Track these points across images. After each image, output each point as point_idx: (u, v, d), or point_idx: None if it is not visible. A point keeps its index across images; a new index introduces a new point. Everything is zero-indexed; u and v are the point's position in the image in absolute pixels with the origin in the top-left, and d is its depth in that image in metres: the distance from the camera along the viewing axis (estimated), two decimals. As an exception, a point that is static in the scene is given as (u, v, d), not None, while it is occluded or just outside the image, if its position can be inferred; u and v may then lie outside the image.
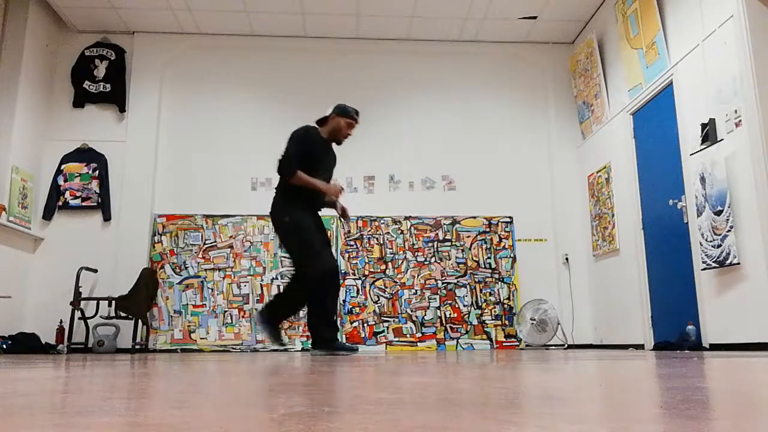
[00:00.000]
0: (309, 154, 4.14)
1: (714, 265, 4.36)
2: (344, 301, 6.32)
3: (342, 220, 4.52)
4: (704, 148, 4.49)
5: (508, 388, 1.30)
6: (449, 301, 6.40)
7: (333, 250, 6.44)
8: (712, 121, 4.43)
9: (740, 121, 4.15)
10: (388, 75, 7.07)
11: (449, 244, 6.55)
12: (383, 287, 6.36)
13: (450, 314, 6.38)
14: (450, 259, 6.51)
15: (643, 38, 5.40)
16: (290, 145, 4.13)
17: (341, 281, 4.33)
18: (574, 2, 6.38)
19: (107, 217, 6.47)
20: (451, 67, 7.15)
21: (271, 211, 4.26)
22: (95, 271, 6.23)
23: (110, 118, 6.74)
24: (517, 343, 6.33)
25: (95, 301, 6.02)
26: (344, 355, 3.88)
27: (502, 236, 6.59)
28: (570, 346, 6.40)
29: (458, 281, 6.46)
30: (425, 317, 6.34)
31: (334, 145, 4.36)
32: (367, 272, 6.39)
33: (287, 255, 4.38)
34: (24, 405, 1.01)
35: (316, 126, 4.31)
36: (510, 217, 6.65)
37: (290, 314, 4.38)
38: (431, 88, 7.08)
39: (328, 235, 4.40)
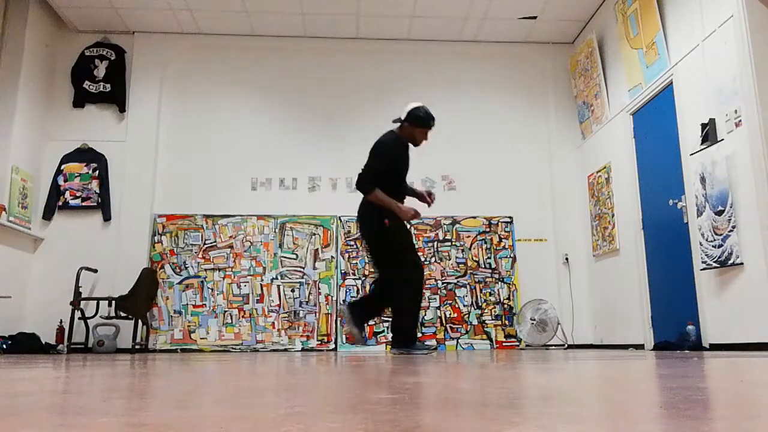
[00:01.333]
0: (393, 168, 4.13)
1: (714, 265, 4.36)
2: (344, 301, 6.32)
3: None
4: (704, 148, 4.49)
5: (508, 388, 1.30)
6: (449, 301, 6.40)
7: (333, 251, 6.45)
8: (712, 121, 4.43)
9: (740, 121, 4.14)
10: (388, 75, 7.07)
11: (449, 244, 6.55)
12: (383, 287, 6.35)
13: (450, 314, 6.38)
14: (450, 259, 6.51)
15: (643, 38, 5.40)
16: (376, 160, 4.08)
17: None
18: (574, 2, 6.38)
19: (107, 217, 6.47)
20: (451, 67, 7.15)
21: (365, 218, 4.14)
22: (95, 271, 6.23)
23: (110, 118, 6.74)
24: (517, 343, 6.33)
25: (95, 301, 6.02)
26: (423, 355, 3.89)
27: (502, 236, 6.59)
28: (570, 346, 6.40)
29: (458, 281, 6.46)
30: (425, 317, 6.34)
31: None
32: (367, 272, 6.39)
33: (378, 259, 4.13)
34: (24, 405, 1.01)
35: (395, 131, 4.25)
36: (510, 217, 6.65)
37: (376, 315, 4.31)
38: (431, 88, 7.07)
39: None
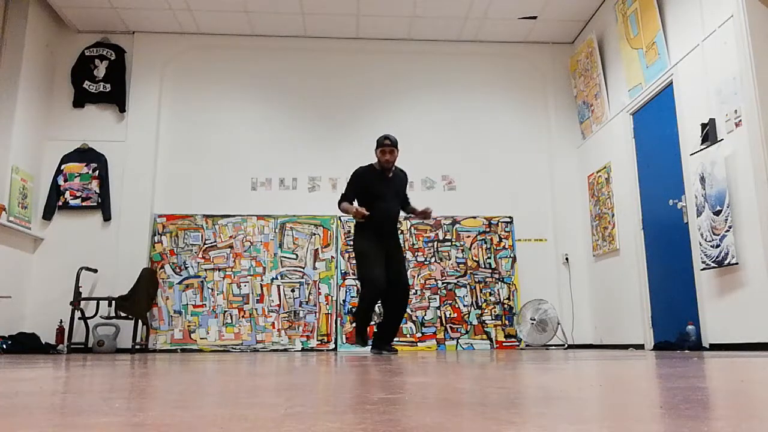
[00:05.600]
0: (360, 189, 4.84)
1: (713, 265, 4.36)
2: (344, 301, 6.32)
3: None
4: (704, 148, 4.49)
5: (508, 388, 1.30)
6: (449, 301, 6.40)
7: (333, 251, 6.45)
8: (712, 121, 4.43)
9: (740, 121, 4.15)
10: (388, 75, 7.07)
11: (449, 244, 6.55)
12: (383, 287, 6.35)
13: (450, 314, 6.37)
14: (450, 259, 6.51)
15: (643, 38, 5.40)
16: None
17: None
18: (574, 2, 6.38)
19: (107, 217, 6.47)
20: (451, 67, 7.15)
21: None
22: (95, 271, 6.23)
23: (110, 118, 6.74)
24: (517, 343, 6.33)
25: (95, 301, 6.02)
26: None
27: (502, 236, 6.58)
28: (570, 346, 6.40)
29: (458, 281, 6.46)
30: (425, 317, 6.34)
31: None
32: (367, 272, 6.38)
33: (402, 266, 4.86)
34: (24, 405, 1.01)
35: (373, 164, 4.94)
36: (510, 217, 6.65)
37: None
38: (431, 88, 7.07)
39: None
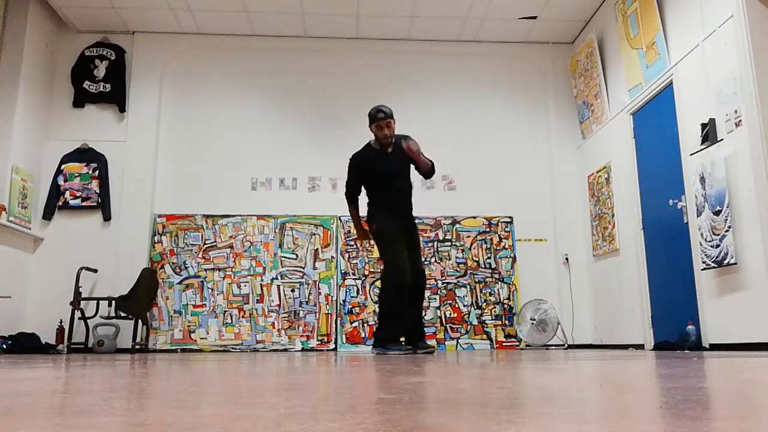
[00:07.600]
0: (363, 174, 4.51)
1: (713, 265, 4.36)
2: (344, 301, 6.33)
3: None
4: (704, 148, 4.49)
5: (508, 388, 1.30)
6: (449, 301, 6.40)
7: (333, 251, 6.45)
8: (712, 121, 4.43)
9: (740, 121, 4.15)
10: (387, 75, 7.07)
11: (449, 244, 6.55)
12: (383, 287, 6.35)
13: (450, 314, 6.38)
14: (450, 259, 6.51)
15: (643, 38, 5.40)
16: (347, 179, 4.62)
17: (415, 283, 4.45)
18: (574, 2, 6.38)
19: (107, 217, 6.47)
20: (451, 67, 7.15)
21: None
22: (95, 271, 6.23)
23: (110, 118, 6.74)
24: (517, 343, 6.33)
25: (95, 301, 6.02)
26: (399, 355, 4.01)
27: (502, 236, 6.59)
28: (570, 346, 6.40)
29: (458, 281, 6.46)
30: (425, 317, 6.34)
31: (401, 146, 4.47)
32: (367, 272, 6.39)
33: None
34: (24, 405, 1.01)
35: (369, 142, 4.58)
36: (510, 217, 6.65)
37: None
38: (431, 88, 7.08)
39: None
